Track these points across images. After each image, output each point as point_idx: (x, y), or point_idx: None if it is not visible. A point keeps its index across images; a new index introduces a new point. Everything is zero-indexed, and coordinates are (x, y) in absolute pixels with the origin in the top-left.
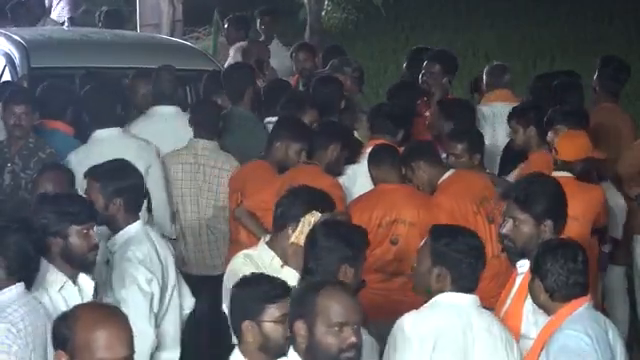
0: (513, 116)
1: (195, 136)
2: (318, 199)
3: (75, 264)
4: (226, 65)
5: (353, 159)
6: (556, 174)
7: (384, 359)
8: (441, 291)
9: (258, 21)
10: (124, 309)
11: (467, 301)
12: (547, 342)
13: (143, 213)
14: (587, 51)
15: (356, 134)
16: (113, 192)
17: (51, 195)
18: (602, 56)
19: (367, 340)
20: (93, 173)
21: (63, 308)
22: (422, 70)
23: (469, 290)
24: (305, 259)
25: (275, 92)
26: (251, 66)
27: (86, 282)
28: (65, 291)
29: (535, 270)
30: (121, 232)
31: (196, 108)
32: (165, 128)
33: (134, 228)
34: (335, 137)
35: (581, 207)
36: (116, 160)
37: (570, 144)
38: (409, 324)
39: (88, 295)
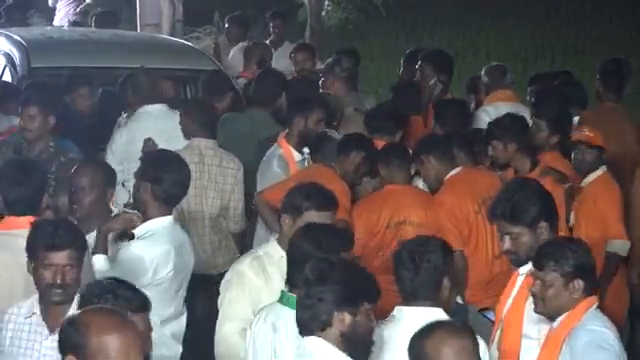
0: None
1: (195, 135)
2: (319, 195)
3: None
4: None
5: (371, 174)
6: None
7: None
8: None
9: (271, 23)
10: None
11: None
12: (567, 340)
13: None
14: (587, 51)
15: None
16: (144, 176)
17: None
18: (604, 56)
19: None
20: (142, 156)
21: None
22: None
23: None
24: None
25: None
26: (284, 74)
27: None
28: None
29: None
30: (148, 222)
31: (195, 107)
32: (155, 126)
33: (161, 223)
34: (359, 147)
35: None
36: (167, 151)
37: None
38: None
39: None
